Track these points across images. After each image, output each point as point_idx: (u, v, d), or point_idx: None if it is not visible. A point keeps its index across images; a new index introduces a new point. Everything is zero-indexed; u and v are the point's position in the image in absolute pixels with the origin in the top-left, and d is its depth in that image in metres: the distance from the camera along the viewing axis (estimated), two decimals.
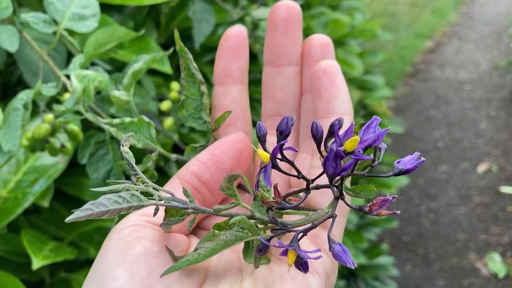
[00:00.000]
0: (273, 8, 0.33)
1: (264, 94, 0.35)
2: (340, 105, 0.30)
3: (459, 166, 2.42)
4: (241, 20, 0.63)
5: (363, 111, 1.24)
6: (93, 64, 0.58)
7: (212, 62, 0.76)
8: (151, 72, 0.65)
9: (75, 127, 0.42)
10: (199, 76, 0.34)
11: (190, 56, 0.33)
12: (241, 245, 0.28)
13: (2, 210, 0.49)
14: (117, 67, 0.58)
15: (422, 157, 0.24)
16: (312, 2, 1.16)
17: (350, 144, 0.22)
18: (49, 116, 0.42)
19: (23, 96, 0.40)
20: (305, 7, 1.13)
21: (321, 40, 0.34)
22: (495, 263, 1.86)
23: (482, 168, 2.37)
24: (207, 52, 0.76)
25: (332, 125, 0.24)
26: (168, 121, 0.54)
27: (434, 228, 2.09)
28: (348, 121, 0.30)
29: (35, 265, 0.47)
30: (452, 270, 1.88)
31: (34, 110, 0.45)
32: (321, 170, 0.25)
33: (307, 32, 1.07)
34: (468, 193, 2.25)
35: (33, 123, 0.49)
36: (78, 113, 0.39)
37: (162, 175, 0.78)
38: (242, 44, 0.34)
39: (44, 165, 0.51)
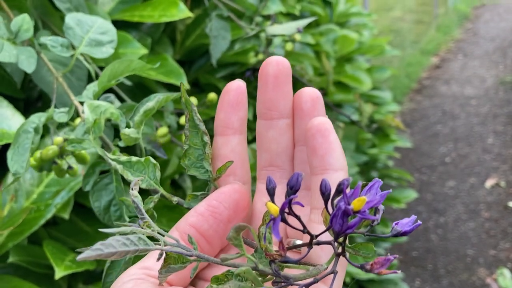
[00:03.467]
0: (263, 63, 0.35)
1: (259, 146, 0.37)
2: (335, 161, 0.31)
3: (467, 181, 2.41)
4: (256, 36, 0.64)
5: (375, 124, 1.25)
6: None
7: (226, 77, 0.78)
8: (170, 87, 0.67)
9: (82, 150, 0.43)
10: (202, 127, 0.35)
11: (195, 108, 0.35)
12: None
13: (24, 221, 0.51)
14: (135, 84, 0.59)
15: (418, 221, 0.27)
16: (320, 19, 1.18)
17: (358, 203, 0.24)
18: (58, 139, 0.43)
19: (35, 119, 0.41)
20: (314, 24, 1.15)
21: (310, 93, 0.34)
22: (505, 279, 1.85)
23: (490, 183, 2.37)
24: (222, 68, 0.78)
25: (340, 184, 0.25)
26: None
27: (442, 243, 2.08)
28: (343, 176, 0.31)
29: (58, 275, 0.48)
30: (462, 286, 1.87)
31: (45, 129, 0.46)
32: (320, 225, 0.26)
33: (316, 48, 1.08)
34: (476, 208, 2.24)
35: (44, 143, 0.50)
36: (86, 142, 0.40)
37: (176, 189, 0.79)
38: (241, 98, 0.35)
39: (65, 178, 0.52)
